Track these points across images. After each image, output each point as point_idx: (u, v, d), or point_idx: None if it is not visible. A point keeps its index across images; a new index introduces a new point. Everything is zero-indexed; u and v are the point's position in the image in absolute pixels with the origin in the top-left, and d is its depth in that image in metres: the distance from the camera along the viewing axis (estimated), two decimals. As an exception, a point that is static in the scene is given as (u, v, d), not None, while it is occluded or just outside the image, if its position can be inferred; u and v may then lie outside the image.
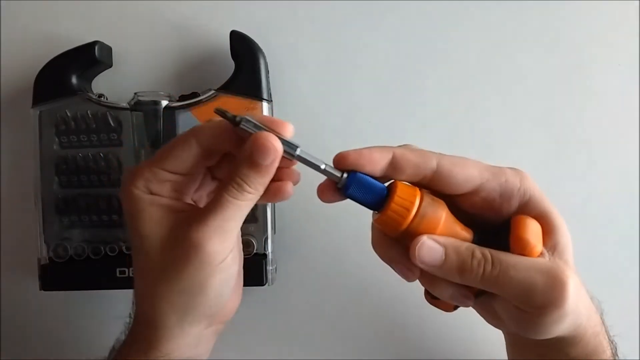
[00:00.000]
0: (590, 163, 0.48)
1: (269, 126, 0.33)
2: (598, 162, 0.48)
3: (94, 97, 0.46)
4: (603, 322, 0.36)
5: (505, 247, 0.33)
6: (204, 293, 0.33)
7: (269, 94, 0.46)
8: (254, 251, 0.45)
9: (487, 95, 0.48)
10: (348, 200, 0.47)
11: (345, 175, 0.33)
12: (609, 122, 0.47)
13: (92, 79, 0.48)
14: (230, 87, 0.45)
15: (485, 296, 0.35)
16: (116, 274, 0.45)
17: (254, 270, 0.45)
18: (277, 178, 0.34)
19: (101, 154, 0.45)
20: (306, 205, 0.48)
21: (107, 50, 0.48)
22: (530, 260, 0.32)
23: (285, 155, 0.33)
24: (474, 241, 0.34)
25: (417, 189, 0.33)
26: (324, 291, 0.49)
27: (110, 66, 0.48)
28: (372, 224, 0.36)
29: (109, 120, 0.45)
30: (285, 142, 0.33)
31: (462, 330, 0.48)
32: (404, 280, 0.48)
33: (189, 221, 0.33)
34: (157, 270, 0.34)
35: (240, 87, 0.45)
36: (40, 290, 0.46)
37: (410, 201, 0.33)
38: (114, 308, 0.47)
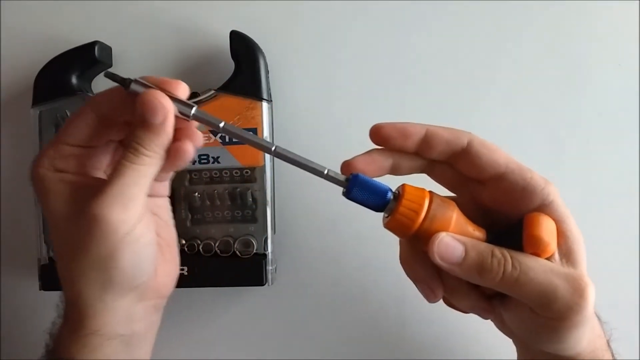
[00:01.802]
0: (590, 163, 0.48)
1: (161, 86, 0.32)
2: (598, 162, 0.48)
3: (94, 97, 0.46)
4: (609, 348, 0.35)
5: (518, 246, 0.32)
6: (116, 265, 0.32)
7: (269, 94, 0.46)
8: (254, 251, 0.45)
9: (487, 95, 0.48)
10: (347, 201, 0.48)
11: (347, 177, 0.33)
12: (609, 122, 0.47)
13: (92, 79, 0.48)
14: (230, 87, 0.45)
15: (496, 302, 0.35)
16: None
17: (254, 270, 0.45)
18: (176, 139, 0.34)
19: (101, 154, 0.45)
20: (306, 205, 0.48)
21: (107, 50, 0.47)
22: (550, 264, 0.32)
23: (181, 116, 0.33)
24: (487, 241, 0.33)
25: (426, 191, 0.33)
26: (323, 291, 0.49)
27: (110, 66, 0.48)
28: (400, 240, 0.36)
29: (109, 120, 0.45)
30: (179, 102, 0.32)
31: (462, 330, 0.48)
32: (404, 281, 0.48)
33: (91, 192, 0.32)
34: (68, 246, 0.33)
35: (240, 87, 0.45)
36: (40, 290, 0.46)
37: (419, 203, 0.32)
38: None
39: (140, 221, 0.33)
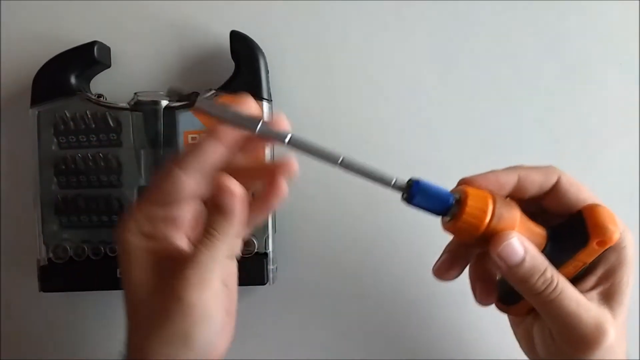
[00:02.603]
0: (590, 163, 0.48)
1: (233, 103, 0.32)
2: (598, 162, 0.48)
3: (93, 97, 0.45)
4: None
5: (583, 238, 0.33)
6: (189, 344, 0.33)
7: (269, 94, 0.46)
8: (255, 250, 0.45)
9: (487, 95, 0.48)
10: (348, 200, 0.48)
11: (408, 183, 0.33)
12: (609, 122, 0.48)
13: (91, 79, 0.48)
14: (230, 87, 0.45)
15: (530, 319, 0.36)
16: (116, 274, 0.44)
17: (255, 269, 0.45)
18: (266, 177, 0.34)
19: (100, 155, 0.45)
20: (307, 204, 0.48)
21: (106, 50, 0.47)
22: (585, 301, 0.33)
23: (245, 131, 0.32)
24: (548, 237, 0.34)
25: (487, 192, 0.33)
26: (325, 290, 0.49)
27: (109, 66, 0.48)
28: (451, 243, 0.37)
29: (109, 121, 0.45)
30: (244, 119, 0.32)
31: (463, 330, 0.48)
32: (405, 280, 0.48)
33: (173, 270, 0.33)
34: (142, 319, 0.34)
35: (240, 87, 0.45)
36: (39, 291, 0.46)
37: (484, 203, 0.32)
38: (114, 309, 0.47)
39: (216, 304, 0.34)
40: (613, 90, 0.47)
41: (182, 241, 0.36)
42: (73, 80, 0.45)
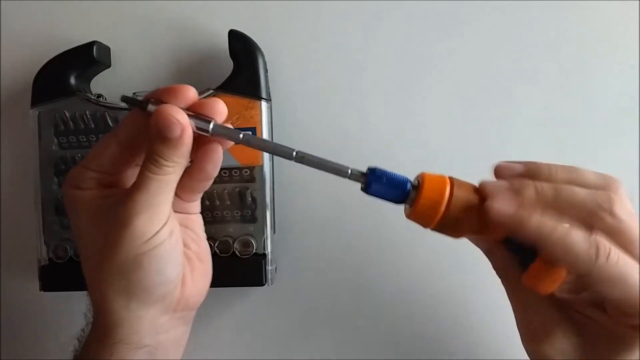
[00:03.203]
0: (590, 163, 0.47)
1: (169, 97, 0.33)
2: (598, 163, 0.47)
3: (93, 97, 0.45)
4: None
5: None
6: (140, 269, 0.33)
7: (268, 93, 0.46)
8: (254, 251, 0.45)
9: (487, 95, 0.48)
10: (347, 200, 0.48)
11: (364, 172, 0.33)
12: (609, 122, 0.47)
13: (91, 80, 0.48)
14: (228, 86, 0.45)
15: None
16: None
17: (254, 270, 0.45)
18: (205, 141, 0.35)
19: (100, 155, 0.45)
20: (306, 204, 0.48)
21: (106, 50, 0.47)
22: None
23: (198, 132, 0.33)
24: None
25: (445, 177, 0.33)
26: (324, 291, 0.49)
27: (109, 66, 0.48)
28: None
29: (108, 121, 0.45)
30: (196, 118, 0.33)
31: (463, 330, 0.48)
32: (405, 280, 0.48)
33: (120, 201, 0.33)
34: (95, 254, 0.34)
35: (239, 86, 0.45)
36: (40, 291, 0.46)
37: (441, 190, 0.32)
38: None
39: (165, 228, 0.33)
40: (613, 90, 0.47)
41: (126, 186, 0.36)
42: (73, 80, 0.45)
